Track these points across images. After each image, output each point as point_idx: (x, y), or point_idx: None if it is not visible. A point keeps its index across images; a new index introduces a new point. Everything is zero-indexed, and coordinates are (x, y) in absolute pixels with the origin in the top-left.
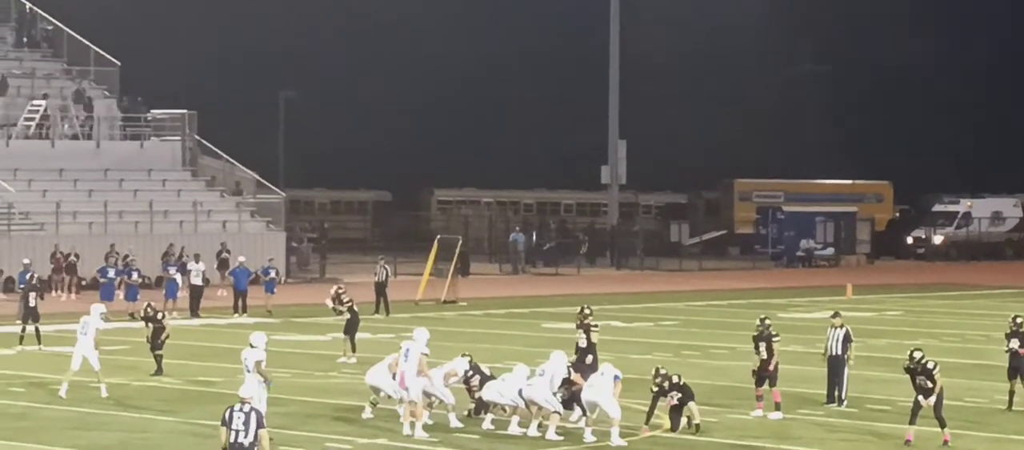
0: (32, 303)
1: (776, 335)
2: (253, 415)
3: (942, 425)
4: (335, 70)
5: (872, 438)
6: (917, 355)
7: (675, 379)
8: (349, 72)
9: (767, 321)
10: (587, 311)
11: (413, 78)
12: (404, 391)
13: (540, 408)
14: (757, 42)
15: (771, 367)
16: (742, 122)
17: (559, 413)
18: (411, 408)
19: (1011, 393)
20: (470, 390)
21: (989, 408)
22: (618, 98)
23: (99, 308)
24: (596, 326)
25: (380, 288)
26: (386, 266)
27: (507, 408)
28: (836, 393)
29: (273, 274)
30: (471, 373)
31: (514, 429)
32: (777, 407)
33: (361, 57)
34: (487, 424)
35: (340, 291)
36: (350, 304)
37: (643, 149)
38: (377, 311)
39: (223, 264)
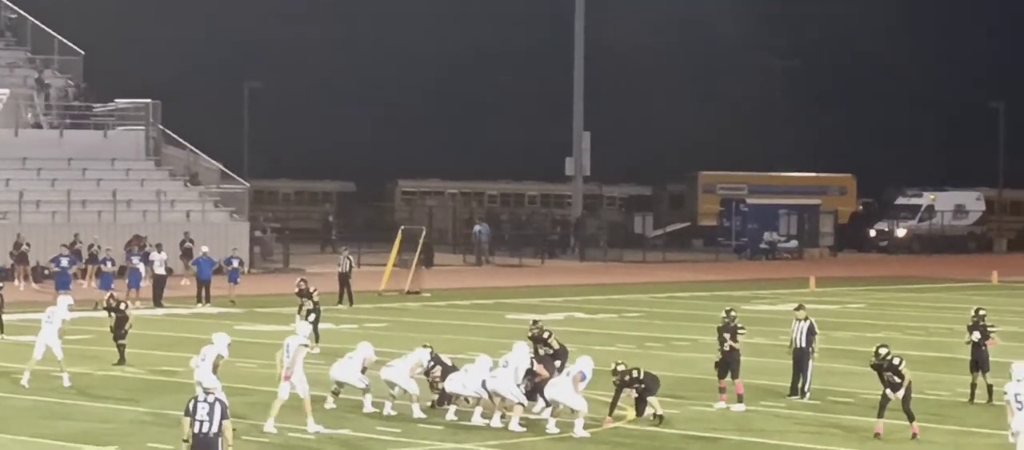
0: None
1: (742, 328)
2: (218, 406)
3: (910, 419)
4: (300, 61)
5: (835, 431)
6: (883, 351)
7: (635, 373)
8: (314, 63)
9: (733, 313)
10: (535, 325)
11: (378, 69)
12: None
13: (503, 399)
14: (723, 36)
15: (732, 356)
16: (707, 115)
17: (523, 404)
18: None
19: (973, 386)
20: (432, 382)
21: (952, 401)
22: (583, 90)
23: (67, 300)
24: (549, 333)
25: (343, 278)
26: (350, 256)
27: (470, 399)
28: (800, 385)
29: (236, 264)
30: (433, 364)
31: (477, 420)
32: (739, 399)
33: (326, 48)
34: (450, 415)
35: (304, 285)
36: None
37: (608, 141)
38: (341, 301)
39: (187, 254)
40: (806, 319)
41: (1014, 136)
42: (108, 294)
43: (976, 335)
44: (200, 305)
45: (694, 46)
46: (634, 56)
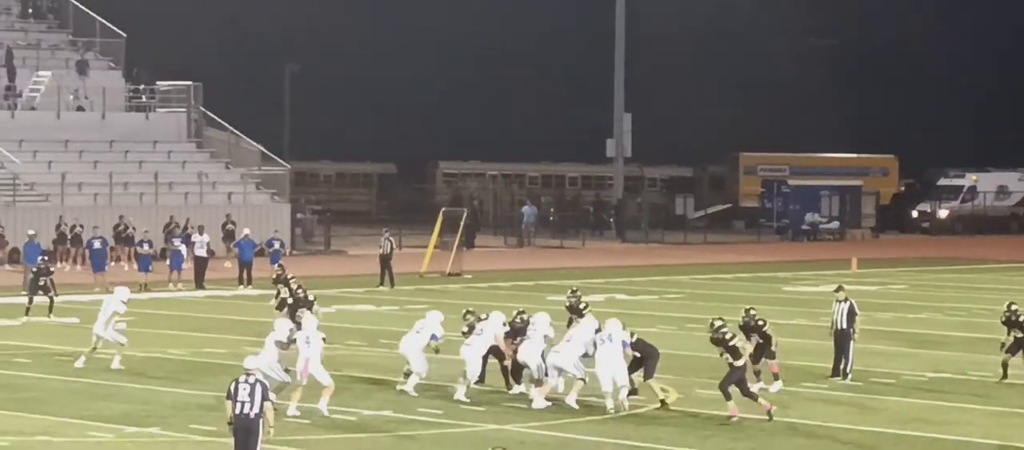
0: (41, 281)
1: (763, 322)
2: (258, 387)
3: (727, 398)
4: (341, 43)
5: (878, 412)
6: (717, 324)
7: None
8: (355, 45)
9: (752, 312)
10: (573, 294)
11: (418, 51)
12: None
13: (562, 372)
14: (764, 16)
15: (773, 348)
16: (748, 96)
17: (584, 380)
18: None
19: (1005, 365)
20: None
21: (995, 382)
22: (623, 71)
23: (124, 292)
24: (585, 305)
25: (385, 260)
26: (391, 238)
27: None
28: (842, 367)
29: (278, 246)
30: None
31: (540, 403)
32: (776, 377)
33: (367, 30)
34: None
35: (280, 271)
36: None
37: (649, 122)
38: (382, 283)
39: (228, 236)
40: (846, 300)
41: None
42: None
43: (1017, 333)
44: (242, 287)
45: (734, 27)
46: (675, 37)
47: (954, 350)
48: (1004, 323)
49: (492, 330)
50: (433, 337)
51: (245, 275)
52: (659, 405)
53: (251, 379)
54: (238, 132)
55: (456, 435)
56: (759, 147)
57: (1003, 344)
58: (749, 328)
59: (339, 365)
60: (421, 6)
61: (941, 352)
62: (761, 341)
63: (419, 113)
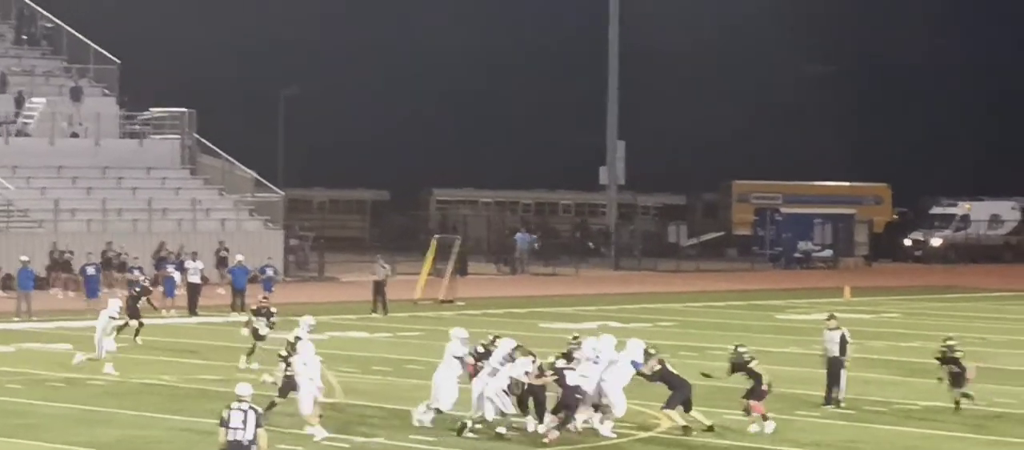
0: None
1: (751, 359)
2: (251, 413)
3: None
4: (336, 68)
5: (869, 440)
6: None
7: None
8: (350, 70)
9: (741, 348)
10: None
11: (413, 77)
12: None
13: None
14: (758, 43)
15: (764, 388)
16: (742, 124)
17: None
18: None
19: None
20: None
21: (986, 412)
22: (617, 98)
23: (116, 301)
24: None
25: (379, 287)
26: (385, 265)
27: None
28: (834, 395)
29: (271, 272)
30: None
31: (607, 432)
32: (765, 418)
33: (361, 55)
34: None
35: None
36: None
37: (642, 150)
38: (375, 310)
39: (222, 262)
40: (838, 328)
41: None
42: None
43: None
44: (235, 314)
45: (729, 54)
46: (668, 64)
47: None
48: (938, 359)
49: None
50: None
51: (238, 302)
52: (681, 430)
53: (243, 405)
54: (232, 159)
55: None
56: (752, 175)
57: (940, 379)
58: (737, 366)
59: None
60: (416, 32)
61: (933, 381)
62: (750, 378)
63: (413, 140)
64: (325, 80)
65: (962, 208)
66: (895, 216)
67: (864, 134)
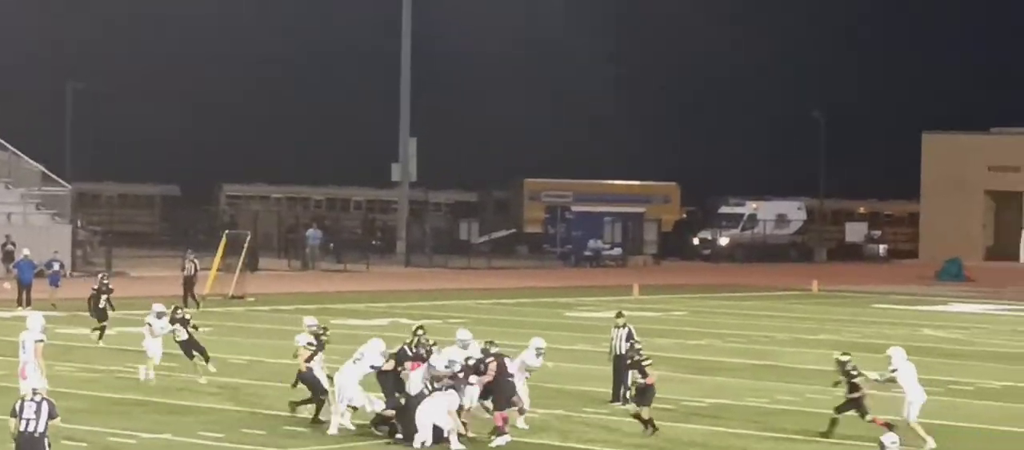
0: (101, 304)
1: (646, 360)
2: (45, 405)
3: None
4: (125, 62)
5: (654, 437)
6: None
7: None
8: (139, 64)
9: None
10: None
11: (204, 71)
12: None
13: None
14: (552, 43)
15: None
16: (534, 122)
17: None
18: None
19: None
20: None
21: (771, 409)
22: (409, 96)
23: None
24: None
25: (188, 282)
26: (194, 260)
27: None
28: (622, 392)
29: (58, 267)
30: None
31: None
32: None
33: (152, 49)
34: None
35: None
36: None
37: (434, 147)
38: (186, 306)
39: (8, 256)
40: (624, 325)
41: (835, 146)
42: None
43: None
44: (21, 308)
45: (523, 52)
46: (462, 61)
47: (733, 376)
48: (842, 374)
49: (371, 358)
50: (372, 367)
51: (24, 296)
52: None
53: (37, 397)
54: (18, 151)
55: None
56: (544, 173)
57: (837, 383)
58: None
59: (117, 388)
60: (208, 26)
61: (720, 378)
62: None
63: (204, 135)
64: (114, 73)
65: (749, 208)
66: (683, 215)
67: (654, 133)
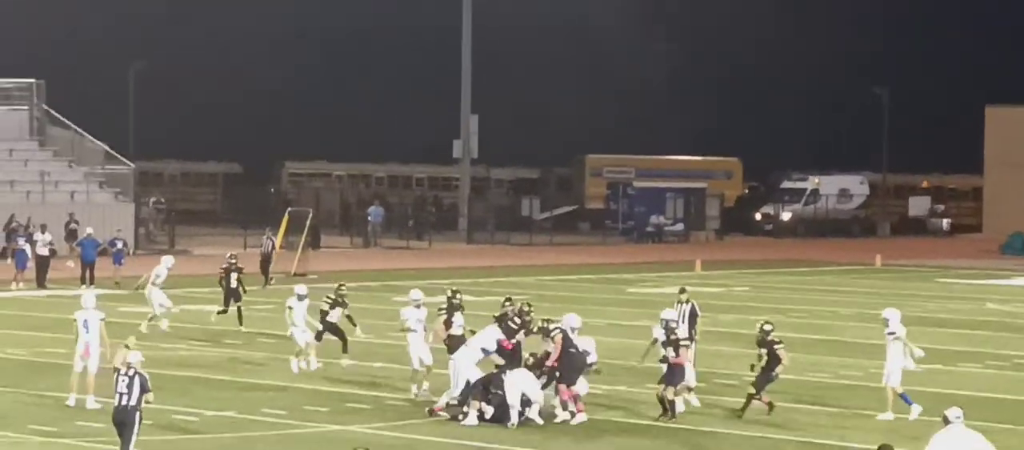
0: (233, 284)
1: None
2: (137, 379)
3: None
4: (187, 41)
5: (719, 411)
6: (768, 328)
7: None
8: (201, 43)
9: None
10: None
11: (265, 50)
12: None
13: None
14: (613, 18)
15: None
16: (595, 98)
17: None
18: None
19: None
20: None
21: (833, 383)
22: (471, 73)
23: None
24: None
25: (265, 259)
26: (272, 238)
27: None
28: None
29: (121, 245)
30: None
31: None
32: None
33: (213, 28)
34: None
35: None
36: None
37: (495, 124)
38: (267, 284)
39: (71, 235)
40: (688, 302)
41: (897, 121)
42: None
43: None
44: (84, 286)
45: (582, 29)
46: (523, 38)
47: (795, 352)
48: (758, 343)
49: (485, 342)
50: (484, 351)
51: (88, 274)
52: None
53: (130, 371)
54: (82, 131)
55: (299, 436)
56: (605, 149)
57: (752, 366)
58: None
59: (183, 365)
60: (270, 5)
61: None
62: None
63: (266, 113)
64: (177, 53)
65: (811, 182)
66: (746, 190)
67: (714, 110)
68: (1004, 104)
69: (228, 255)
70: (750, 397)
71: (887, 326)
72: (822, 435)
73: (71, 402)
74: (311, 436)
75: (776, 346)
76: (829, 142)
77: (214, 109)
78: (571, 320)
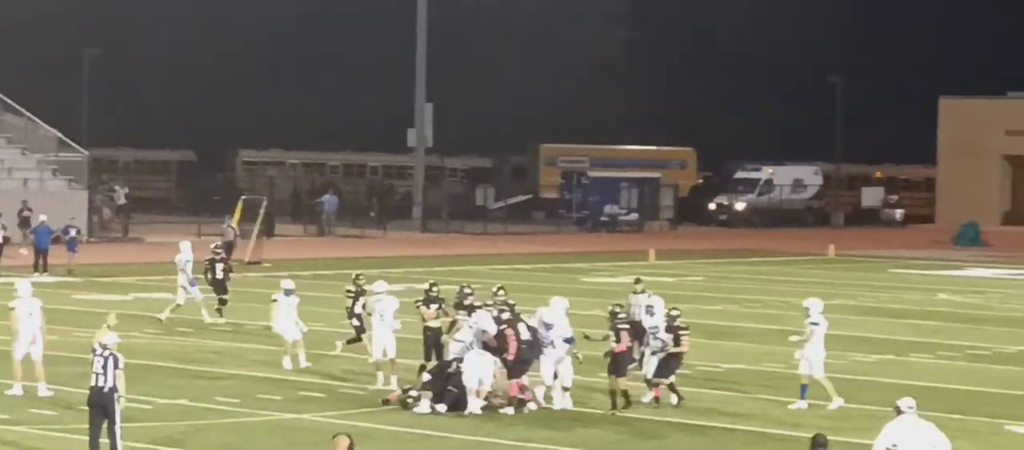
0: (219, 275)
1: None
2: (111, 360)
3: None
4: (140, 28)
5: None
6: (674, 313)
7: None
8: (154, 30)
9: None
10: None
11: (219, 37)
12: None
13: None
14: (566, 7)
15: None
16: (550, 87)
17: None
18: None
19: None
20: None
21: (786, 373)
22: (425, 61)
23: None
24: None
25: (228, 247)
26: (233, 226)
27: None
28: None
29: (74, 233)
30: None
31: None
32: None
33: (167, 15)
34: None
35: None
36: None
37: (450, 112)
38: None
39: (24, 222)
40: (643, 292)
41: (852, 110)
42: None
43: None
44: (37, 274)
45: (537, 17)
46: (477, 27)
47: (749, 341)
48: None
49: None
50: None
51: (41, 262)
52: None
53: (105, 351)
54: (35, 118)
55: (252, 424)
56: (560, 138)
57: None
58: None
59: (136, 353)
60: None
61: (736, 343)
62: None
63: (220, 101)
64: (130, 40)
65: (766, 172)
66: (700, 180)
67: (669, 99)
68: (958, 95)
69: (213, 246)
70: (658, 385)
71: (809, 315)
72: (774, 424)
73: (17, 391)
74: (264, 424)
75: (681, 333)
76: (783, 132)
77: (168, 96)
78: (547, 314)
